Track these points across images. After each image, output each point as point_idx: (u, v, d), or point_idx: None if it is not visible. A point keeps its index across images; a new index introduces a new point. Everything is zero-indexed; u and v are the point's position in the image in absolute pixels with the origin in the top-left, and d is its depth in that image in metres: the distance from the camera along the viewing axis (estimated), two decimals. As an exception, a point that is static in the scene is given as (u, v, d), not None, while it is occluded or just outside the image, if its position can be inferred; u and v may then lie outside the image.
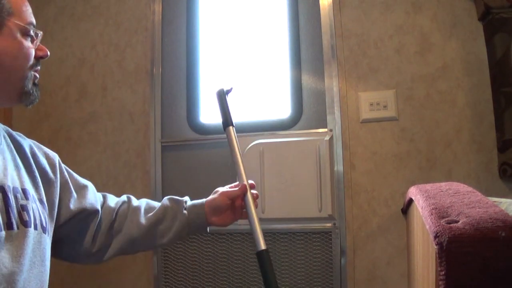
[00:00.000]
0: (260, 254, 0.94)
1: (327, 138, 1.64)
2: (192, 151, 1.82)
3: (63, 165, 0.92)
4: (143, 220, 0.96)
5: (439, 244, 0.60)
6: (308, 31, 1.76)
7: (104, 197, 1.00)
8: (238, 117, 1.81)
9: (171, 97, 1.87)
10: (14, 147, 0.81)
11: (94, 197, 0.95)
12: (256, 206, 1.01)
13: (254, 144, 1.69)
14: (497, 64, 1.50)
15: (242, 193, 0.99)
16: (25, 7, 0.80)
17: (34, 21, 0.81)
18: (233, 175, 1.70)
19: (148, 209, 0.99)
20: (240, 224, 1.68)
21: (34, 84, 0.81)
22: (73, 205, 0.89)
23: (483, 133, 1.56)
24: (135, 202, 1.01)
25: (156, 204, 1.01)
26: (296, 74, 1.75)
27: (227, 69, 1.87)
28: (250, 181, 1.01)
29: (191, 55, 1.88)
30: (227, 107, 1.10)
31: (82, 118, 1.95)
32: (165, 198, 1.02)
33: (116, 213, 0.97)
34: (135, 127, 1.89)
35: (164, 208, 0.98)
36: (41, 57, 0.83)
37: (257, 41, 1.85)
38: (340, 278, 1.60)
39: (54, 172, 0.87)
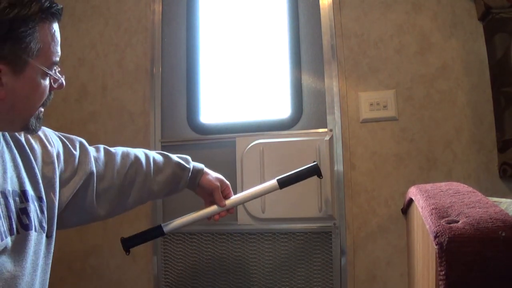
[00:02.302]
0: (159, 228, 1.12)
1: (327, 138, 1.64)
2: (192, 151, 1.81)
3: (61, 148, 0.91)
4: (154, 186, 1.07)
5: (439, 244, 0.60)
6: (308, 31, 1.76)
7: (108, 155, 1.05)
8: (238, 117, 1.82)
9: (171, 97, 1.87)
10: (14, 144, 0.80)
11: (88, 165, 0.96)
12: (214, 220, 1.15)
13: (254, 144, 1.69)
14: (497, 64, 1.50)
15: (220, 206, 1.12)
16: (53, 43, 0.77)
17: (58, 56, 0.79)
18: (232, 176, 1.70)
19: (157, 170, 1.09)
20: (240, 224, 1.68)
21: (38, 118, 0.79)
22: (68, 191, 0.89)
23: (483, 133, 1.56)
24: (145, 163, 1.08)
25: (161, 163, 1.10)
26: (296, 74, 1.75)
27: (227, 69, 1.87)
28: (231, 210, 1.15)
29: (191, 55, 1.88)
30: (299, 179, 1.19)
31: (82, 118, 1.95)
32: (173, 158, 1.12)
33: (125, 177, 1.04)
34: (135, 127, 1.89)
35: (173, 175, 1.10)
36: (56, 89, 0.82)
37: (257, 41, 1.85)
38: (340, 278, 1.60)
39: (52, 163, 0.85)
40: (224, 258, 1.72)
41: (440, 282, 0.59)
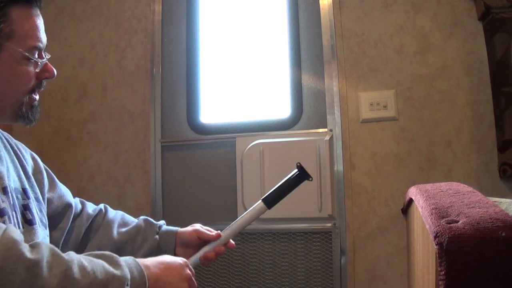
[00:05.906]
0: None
1: (327, 138, 1.64)
2: (192, 151, 1.82)
3: (44, 171, 0.92)
4: (115, 234, 0.96)
5: (439, 244, 0.60)
6: (308, 31, 1.76)
7: (83, 203, 1.00)
8: (238, 117, 1.82)
9: (171, 97, 1.87)
10: (11, 147, 0.82)
11: (68, 197, 0.95)
12: (210, 260, 0.95)
13: (254, 144, 1.69)
14: (497, 64, 1.50)
15: (212, 239, 0.95)
16: (32, 28, 0.75)
17: (41, 43, 0.77)
18: (232, 176, 1.70)
19: (122, 224, 0.99)
20: (240, 224, 1.68)
21: (31, 106, 0.79)
22: (48, 210, 0.88)
23: (483, 133, 1.56)
24: (111, 214, 1.00)
25: (131, 220, 1.00)
26: (296, 74, 1.75)
27: (227, 69, 1.87)
28: (232, 242, 0.98)
29: (191, 55, 1.88)
30: (287, 191, 1.01)
31: (82, 118, 1.95)
32: (141, 218, 1.01)
33: (91, 221, 0.97)
34: (135, 127, 1.89)
35: (137, 228, 0.98)
36: (47, 78, 0.80)
37: (257, 41, 1.85)
38: (340, 278, 1.60)
39: (41, 173, 0.88)
40: (224, 258, 1.72)
41: (440, 282, 0.59)
